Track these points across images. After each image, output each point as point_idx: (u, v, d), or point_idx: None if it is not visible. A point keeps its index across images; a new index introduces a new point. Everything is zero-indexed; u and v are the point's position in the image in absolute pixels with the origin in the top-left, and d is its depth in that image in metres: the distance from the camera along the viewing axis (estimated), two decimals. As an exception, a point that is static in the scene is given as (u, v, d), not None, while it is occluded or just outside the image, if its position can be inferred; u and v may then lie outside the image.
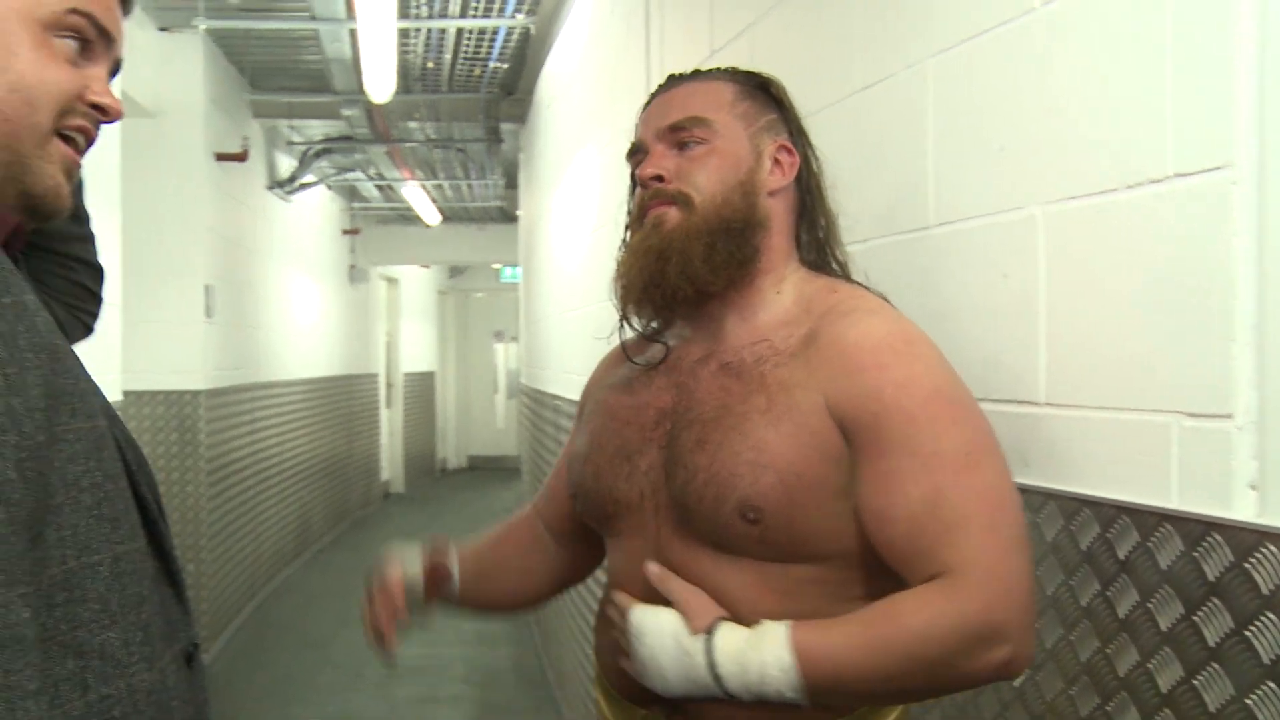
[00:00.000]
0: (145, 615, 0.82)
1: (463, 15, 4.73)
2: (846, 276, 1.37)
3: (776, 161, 1.33)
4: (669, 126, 1.32)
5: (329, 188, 9.32)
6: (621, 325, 1.40)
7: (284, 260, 7.99)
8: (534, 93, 5.82)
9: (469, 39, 5.31)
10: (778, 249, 1.33)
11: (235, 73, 6.44)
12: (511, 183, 8.91)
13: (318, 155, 7.70)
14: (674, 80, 1.40)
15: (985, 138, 1.42)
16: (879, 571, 1.22)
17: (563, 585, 1.62)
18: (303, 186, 7.95)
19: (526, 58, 5.59)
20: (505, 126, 7.39)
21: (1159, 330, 1.14)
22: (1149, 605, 1.13)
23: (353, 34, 4.72)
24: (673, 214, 1.29)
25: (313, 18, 4.55)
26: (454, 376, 15.68)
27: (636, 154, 1.37)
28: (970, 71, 1.45)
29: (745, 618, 1.20)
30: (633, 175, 1.38)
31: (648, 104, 1.41)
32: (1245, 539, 1.03)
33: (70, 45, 0.91)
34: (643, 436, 1.31)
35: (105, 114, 0.93)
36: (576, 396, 4.68)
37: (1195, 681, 1.08)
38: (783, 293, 1.32)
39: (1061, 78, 1.28)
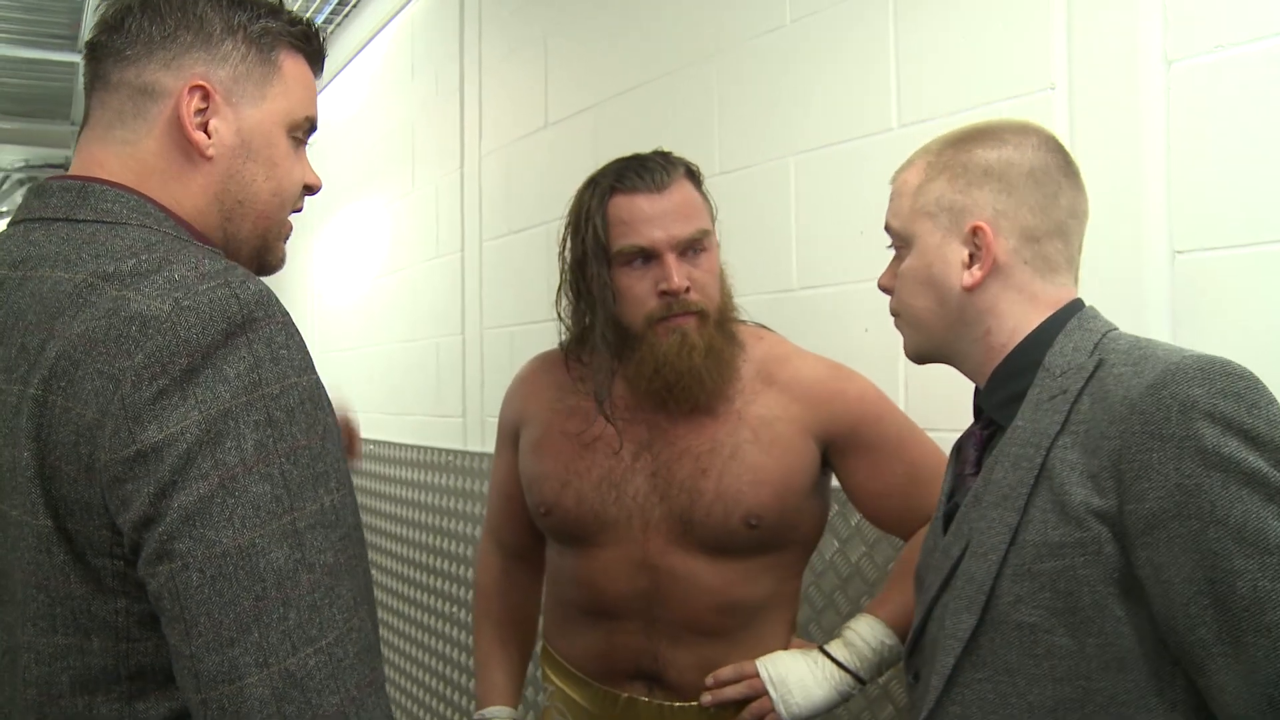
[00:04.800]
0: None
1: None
2: (742, 320, 1.68)
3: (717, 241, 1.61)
4: (685, 240, 1.50)
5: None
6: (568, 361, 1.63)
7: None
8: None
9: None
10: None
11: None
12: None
13: (21, 184, 7.29)
14: (652, 175, 1.51)
15: (845, 221, 1.84)
16: (805, 551, 1.62)
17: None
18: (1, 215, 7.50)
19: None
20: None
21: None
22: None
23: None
24: (695, 325, 1.50)
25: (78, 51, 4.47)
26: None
27: (639, 254, 1.50)
28: (832, 170, 1.87)
29: (722, 600, 1.54)
30: (603, 259, 1.52)
31: (609, 192, 1.52)
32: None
33: (297, 141, 1.11)
34: (626, 467, 1.58)
35: (311, 191, 1.14)
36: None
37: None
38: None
39: (913, 183, 1.71)
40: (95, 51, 1.05)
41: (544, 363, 1.75)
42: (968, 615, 1.09)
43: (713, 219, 1.59)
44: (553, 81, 2.78)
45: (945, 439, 1.63)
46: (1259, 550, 0.93)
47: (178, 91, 1.02)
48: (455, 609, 3.34)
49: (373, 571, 4.08)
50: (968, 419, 1.65)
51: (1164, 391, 0.99)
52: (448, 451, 3.36)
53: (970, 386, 1.62)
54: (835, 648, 1.49)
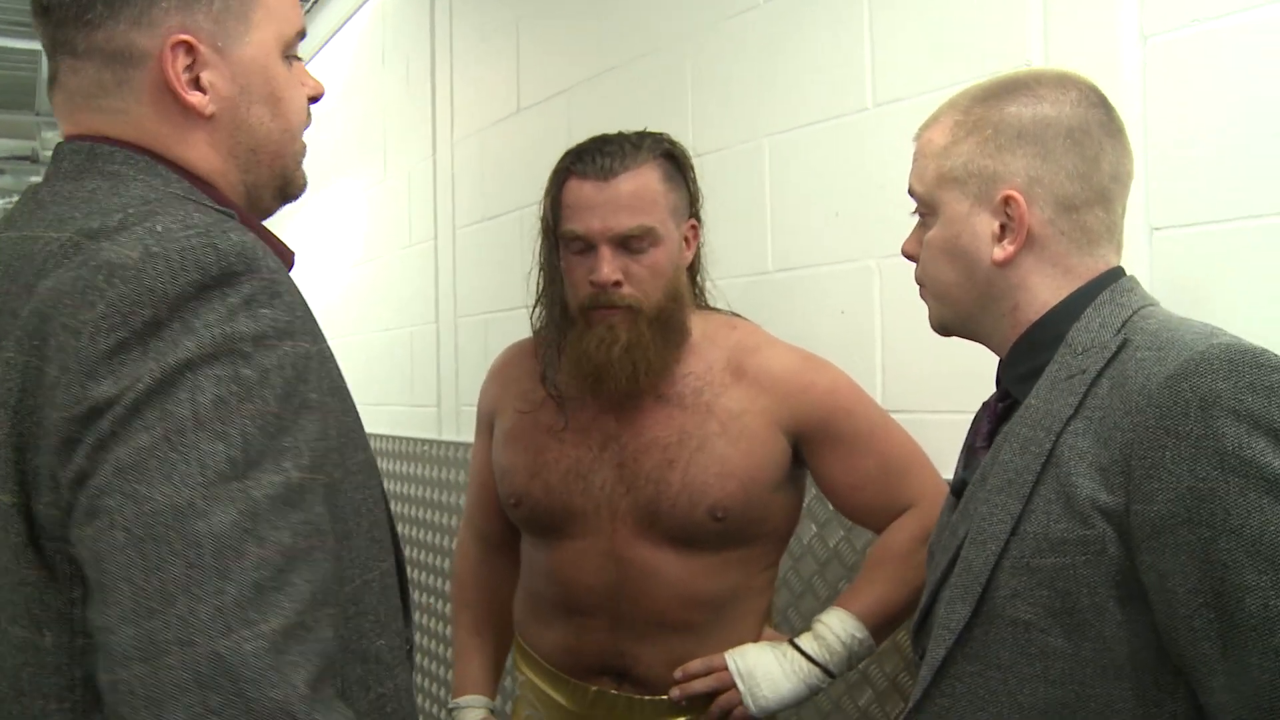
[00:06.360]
0: (399, 623, 0.93)
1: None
2: (717, 308, 1.67)
3: (686, 240, 1.57)
4: (622, 234, 1.46)
5: (-9, 210, 8.68)
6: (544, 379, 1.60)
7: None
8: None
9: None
10: (687, 304, 1.58)
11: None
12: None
13: (-14, 176, 7.20)
14: (607, 161, 1.48)
15: (820, 203, 1.82)
16: (777, 544, 1.60)
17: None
18: (-35, 208, 7.40)
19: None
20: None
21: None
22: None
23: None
24: (621, 320, 1.48)
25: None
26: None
27: (577, 240, 1.49)
28: (806, 151, 1.85)
29: (688, 593, 1.52)
30: (552, 239, 1.54)
31: (565, 173, 1.50)
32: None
33: (290, 59, 1.00)
34: (594, 458, 1.56)
35: (316, 99, 1.04)
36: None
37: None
38: (690, 333, 1.57)
39: (890, 160, 1.69)
40: (50, 15, 0.92)
41: (518, 352, 1.73)
42: (962, 606, 1.03)
43: (679, 209, 1.54)
44: (525, 66, 2.75)
45: (922, 421, 1.62)
46: (1273, 566, 0.86)
47: (158, 52, 0.91)
48: (432, 600, 3.32)
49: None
50: (945, 402, 1.64)
51: (1184, 384, 0.91)
52: (423, 441, 3.33)
53: (950, 370, 1.62)
54: (805, 641, 1.48)
